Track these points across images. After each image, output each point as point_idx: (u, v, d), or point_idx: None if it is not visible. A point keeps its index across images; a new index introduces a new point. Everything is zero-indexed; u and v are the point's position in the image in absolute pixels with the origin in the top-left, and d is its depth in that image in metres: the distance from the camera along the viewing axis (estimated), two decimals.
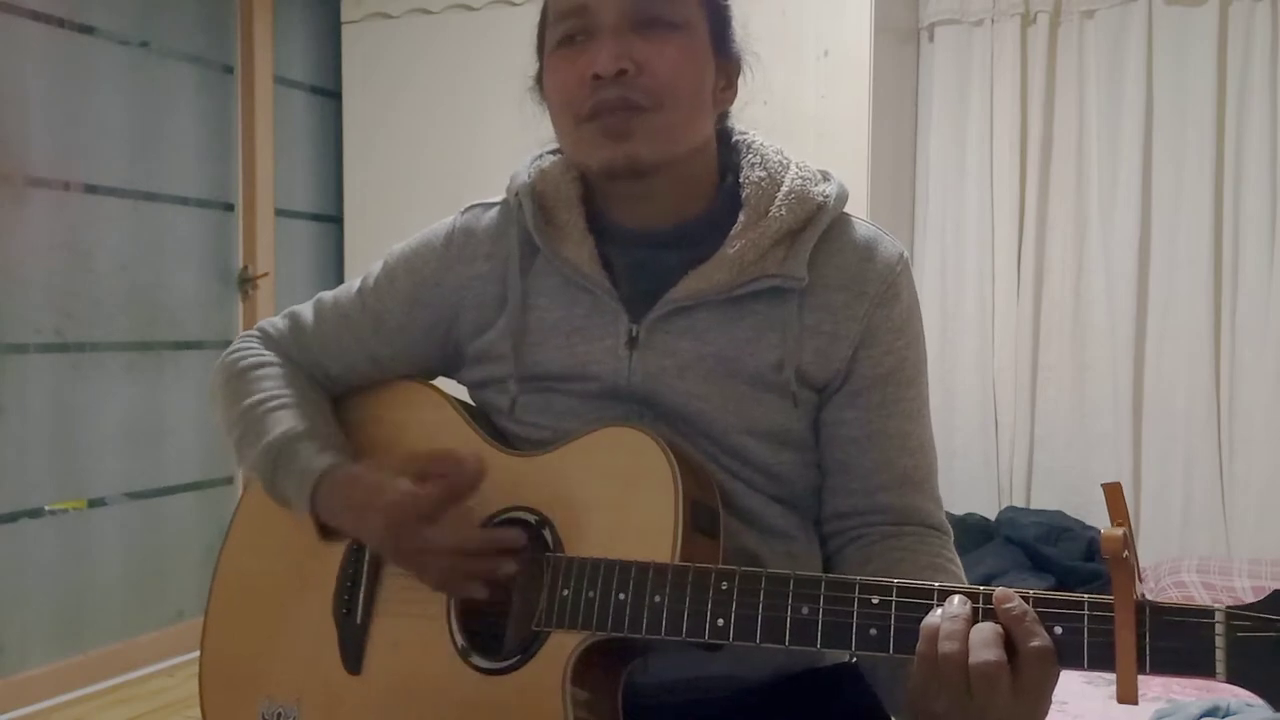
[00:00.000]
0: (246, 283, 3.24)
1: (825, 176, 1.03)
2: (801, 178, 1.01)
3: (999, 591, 0.75)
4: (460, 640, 0.95)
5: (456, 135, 3.24)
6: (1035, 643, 0.73)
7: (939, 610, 0.76)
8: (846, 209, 1.03)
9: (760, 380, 0.98)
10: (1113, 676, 0.71)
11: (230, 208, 3.23)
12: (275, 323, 1.16)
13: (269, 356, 1.12)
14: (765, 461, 0.99)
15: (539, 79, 1.06)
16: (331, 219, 3.53)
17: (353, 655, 1.01)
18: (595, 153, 0.97)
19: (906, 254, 1.04)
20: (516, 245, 1.04)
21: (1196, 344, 2.88)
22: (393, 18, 3.33)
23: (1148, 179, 2.94)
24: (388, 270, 1.11)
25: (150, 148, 2.98)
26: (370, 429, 1.11)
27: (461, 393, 1.11)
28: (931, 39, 3.20)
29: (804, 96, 2.79)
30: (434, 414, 1.07)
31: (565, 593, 0.89)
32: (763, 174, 1.01)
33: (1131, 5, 2.94)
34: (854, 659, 1.04)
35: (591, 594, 0.88)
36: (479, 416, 1.07)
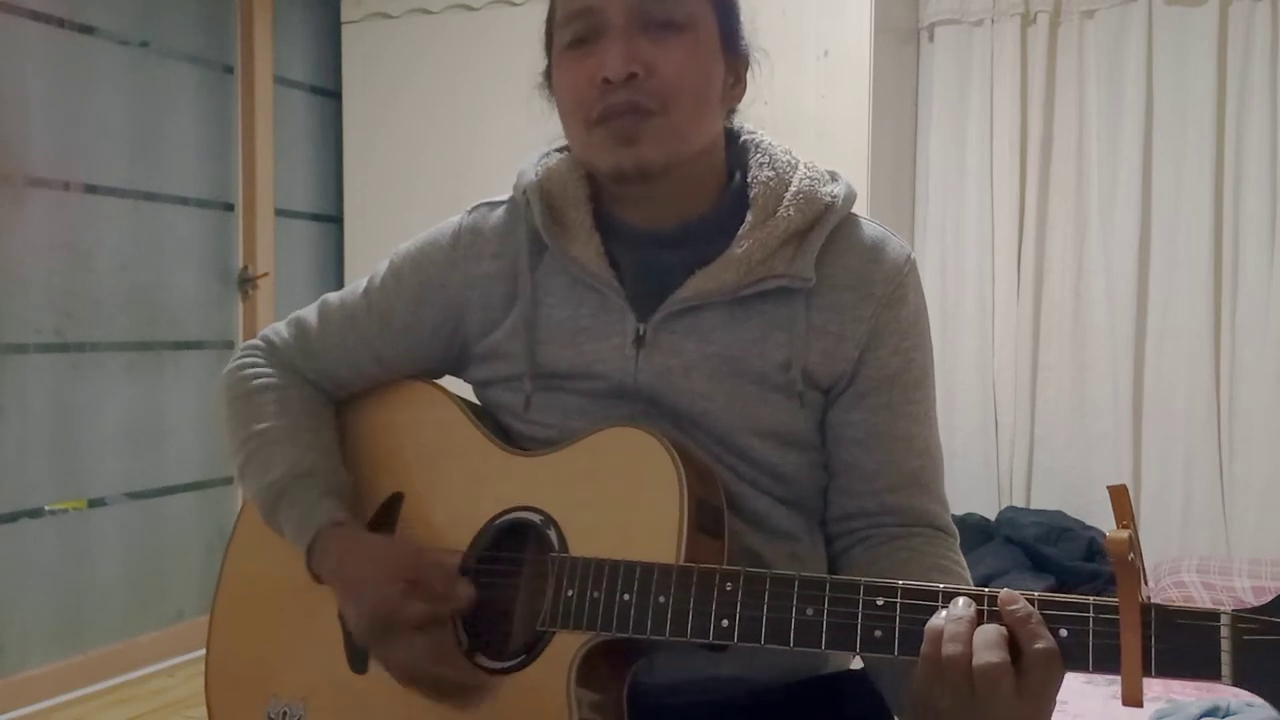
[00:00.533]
0: (246, 283, 3.24)
1: (833, 177, 1.03)
2: (810, 178, 1.01)
3: (1004, 593, 0.75)
4: (465, 640, 0.96)
5: (456, 135, 3.24)
6: (1040, 645, 0.72)
7: (943, 612, 0.76)
8: (854, 211, 1.03)
9: (767, 380, 0.98)
10: (1114, 676, 0.71)
11: (230, 208, 3.23)
12: (280, 331, 1.15)
13: (272, 378, 1.11)
14: (771, 462, 0.99)
15: (547, 76, 1.06)
16: (331, 219, 3.53)
17: (359, 655, 1.01)
18: (605, 157, 0.97)
19: (914, 255, 1.04)
20: (525, 243, 1.04)
21: (1196, 344, 2.88)
22: (393, 18, 3.33)
23: (1148, 179, 2.94)
24: (394, 270, 1.11)
25: (150, 148, 2.97)
26: (376, 430, 1.11)
27: (465, 390, 1.11)
28: (931, 39, 3.20)
29: (804, 96, 2.79)
30: (439, 413, 1.07)
31: (570, 593, 0.89)
32: (771, 174, 1.01)
33: (1131, 5, 2.94)
34: (858, 662, 1.04)
35: (596, 594, 0.88)
36: (484, 416, 1.07)
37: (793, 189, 1.00)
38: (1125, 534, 0.70)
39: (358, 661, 1.01)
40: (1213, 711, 1.92)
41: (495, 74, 3.14)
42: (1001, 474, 3.13)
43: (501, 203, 1.09)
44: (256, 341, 1.16)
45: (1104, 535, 2.64)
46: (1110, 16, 2.97)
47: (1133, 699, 0.70)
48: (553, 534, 0.94)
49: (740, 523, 0.96)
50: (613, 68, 0.94)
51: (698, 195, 1.02)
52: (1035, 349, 3.10)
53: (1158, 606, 0.71)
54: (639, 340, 0.99)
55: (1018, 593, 0.75)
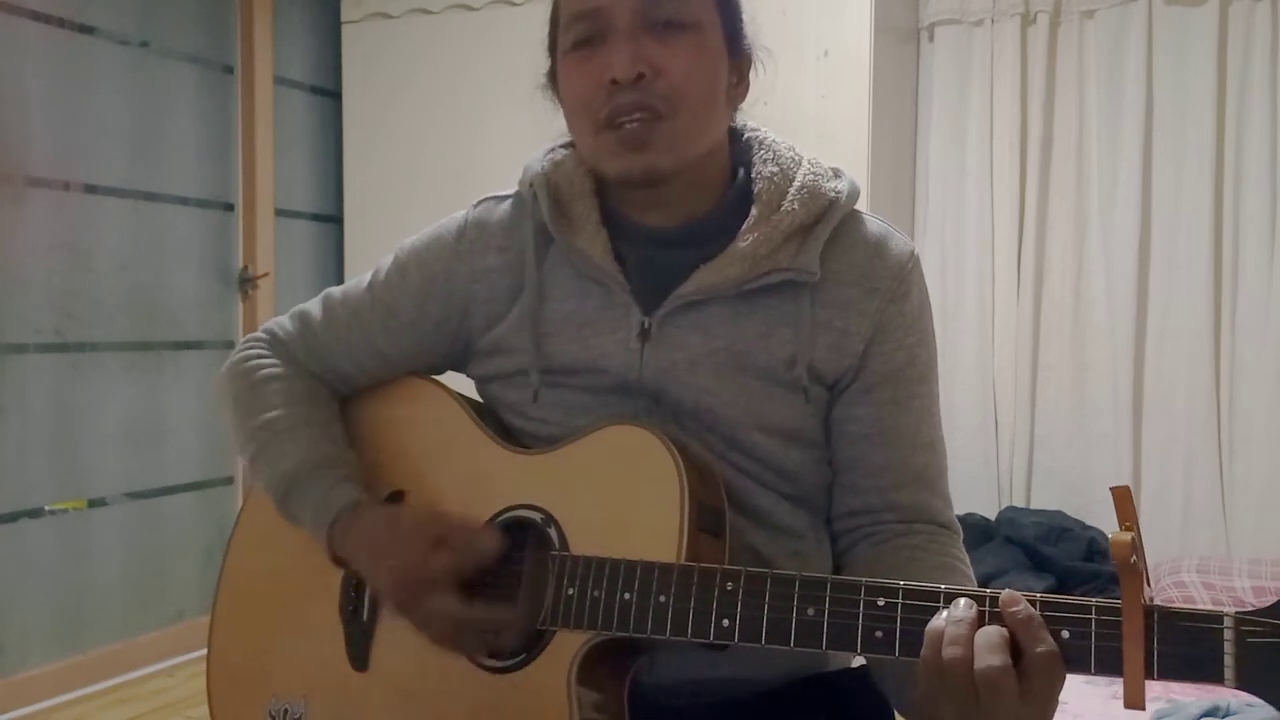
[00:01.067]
0: (246, 283, 3.24)
1: (837, 173, 1.03)
2: (813, 174, 1.01)
3: (1005, 595, 0.75)
4: None
5: (456, 135, 3.24)
6: (1041, 648, 0.72)
7: (944, 614, 0.76)
8: (858, 207, 1.04)
9: (772, 376, 0.98)
10: (1115, 677, 0.71)
11: (230, 208, 3.23)
12: (283, 324, 1.15)
13: (279, 368, 1.11)
14: (776, 458, 0.99)
15: (551, 77, 1.06)
16: (331, 219, 3.53)
17: (359, 653, 1.01)
18: (613, 162, 0.97)
19: (917, 251, 1.04)
20: (531, 236, 1.04)
21: (1196, 344, 2.88)
22: (393, 18, 3.33)
23: (1148, 179, 2.94)
24: (399, 264, 1.10)
25: (150, 148, 2.98)
26: (377, 427, 1.10)
27: (467, 386, 1.11)
28: (931, 39, 3.20)
29: (804, 96, 2.79)
30: (440, 411, 1.07)
31: (571, 592, 0.89)
32: (775, 169, 1.01)
33: (1131, 5, 2.94)
34: (859, 660, 1.04)
35: (597, 593, 0.88)
36: (485, 413, 1.06)
37: (796, 184, 1.00)
38: (1128, 536, 0.70)
39: (358, 659, 1.01)
40: (1213, 712, 1.92)
41: (495, 74, 3.14)
42: (1001, 474, 3.13)
43: (507, 197, 1.09)
44: (259, 334, 1.15)
45: (1104, 535, 2.64)
46: (1110, 16, 2.97)
47: (1135, 702, 0.70)
48: (553, 532, 0.93)
49: (743, 520, 0.96)
50: (620, 69, 0.93)
51: (703, 194, 1.02)
52: (1035, 349, 3.10)
53: (1160, 608, 0.71)
54: (644, 334, 0.99)
55: (1019, 594, 0.75)
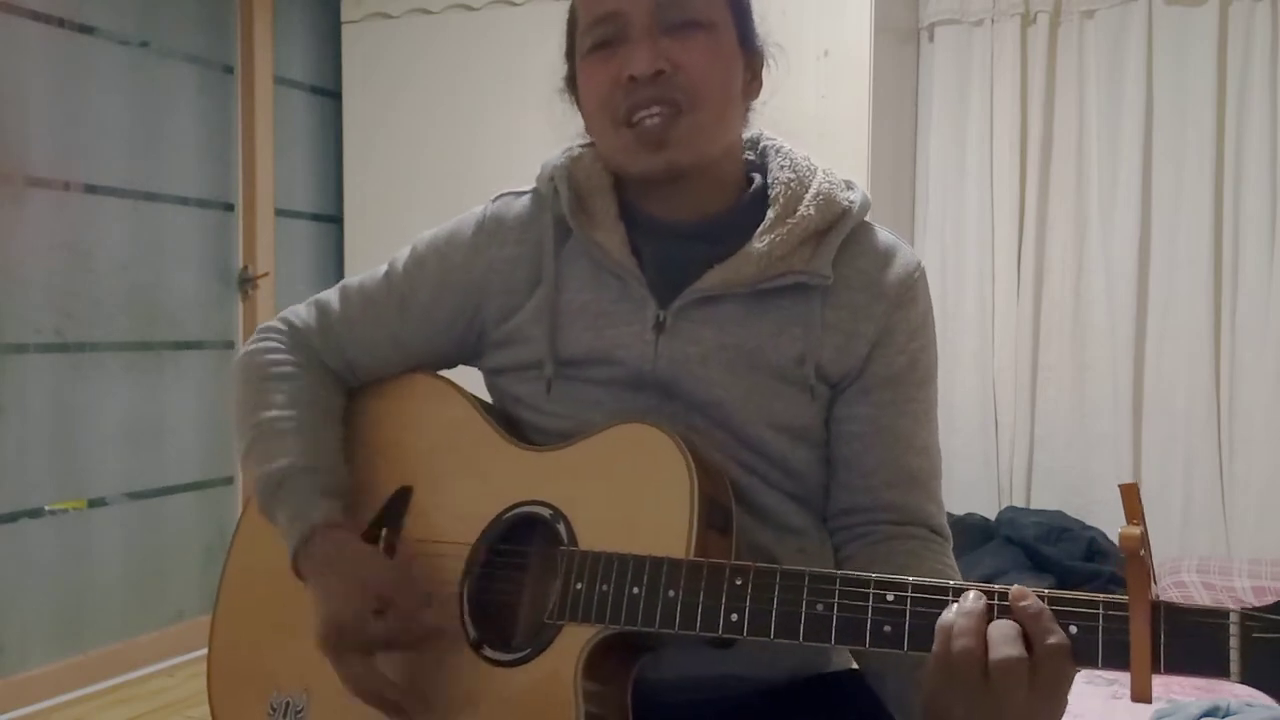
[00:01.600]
0: (246, 283, 3.24)
1: (850, 185, 1.06)
2: (829, 183, 1.04)
3: (1015, 589, 0.75)
4: (473, 632, 0.96)
5: (456, 135, 3.24)
6: (1052, 640, 0.73)
7: (954, 607, 0.76)
8: (869, 219, 1.06)
9: (781, 374, 0.99)
10: (1113, 675, 0.71)
11: (230, 208, 3.23)
12: (300, 313, 1.16)
13: (289, 365, 1.11)
14: (782, 455, 1.00)
15: (569, 82, 1.08)
16: (331, 219, 3.53)
17: None
18: (634, 159, 0.99)
19: (923, 264, 1.07)
20: (550, 229, 1.05)
21: (1196, 344, 2.88)
22: (393, 18, 3.33)
23: (1148, 179, 2.95)
24: (416, 256, 1.12)
25: (150, 148, 2.98)
26: (386, 422, 1.11)
27: (476, 379, 1.12)
28: (931, 39, 3.20)
29: (804, 96, 2.79)
30: (450, 408, 1.07)
31: (579, 586, 0.89)
32: (791, 175, 1.03)
33: (1131, 5, 2.94)
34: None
35: (605, 588, 0.88)
36: (494, 411, 1.07)
37: (812, 191, 1.02)
38: (1137, 530, 0.70)
39: None
40: (1213, 712, 1.92)
41: (495, 74, 3.14)
42: (1001, 474, 3.14)
43: (525, 192, 1.11)
44: (276, 323, 1.16)
45: (1104, 535, 2.64)
46: (1110, 16, 2.97)
47: (1142, 695, 0.70)
48: (562, 528, 0.94)
49: (748, 518, 0.97)
50: (639, 65, 0.96)
51: (719, 193, 1.04)
52: (1035, 349, 3.10)
53: (1167, 604, 0.71)
54: (659, 326, 1.00)
55: (1027, 589, 0.75)
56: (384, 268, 1.14)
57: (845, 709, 1.04)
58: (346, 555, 0.99)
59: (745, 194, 1.05)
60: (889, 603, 0.79)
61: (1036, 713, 0.73)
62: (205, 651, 1.13)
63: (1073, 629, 0.74)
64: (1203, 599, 2.59)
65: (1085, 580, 2.69)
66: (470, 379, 1.13)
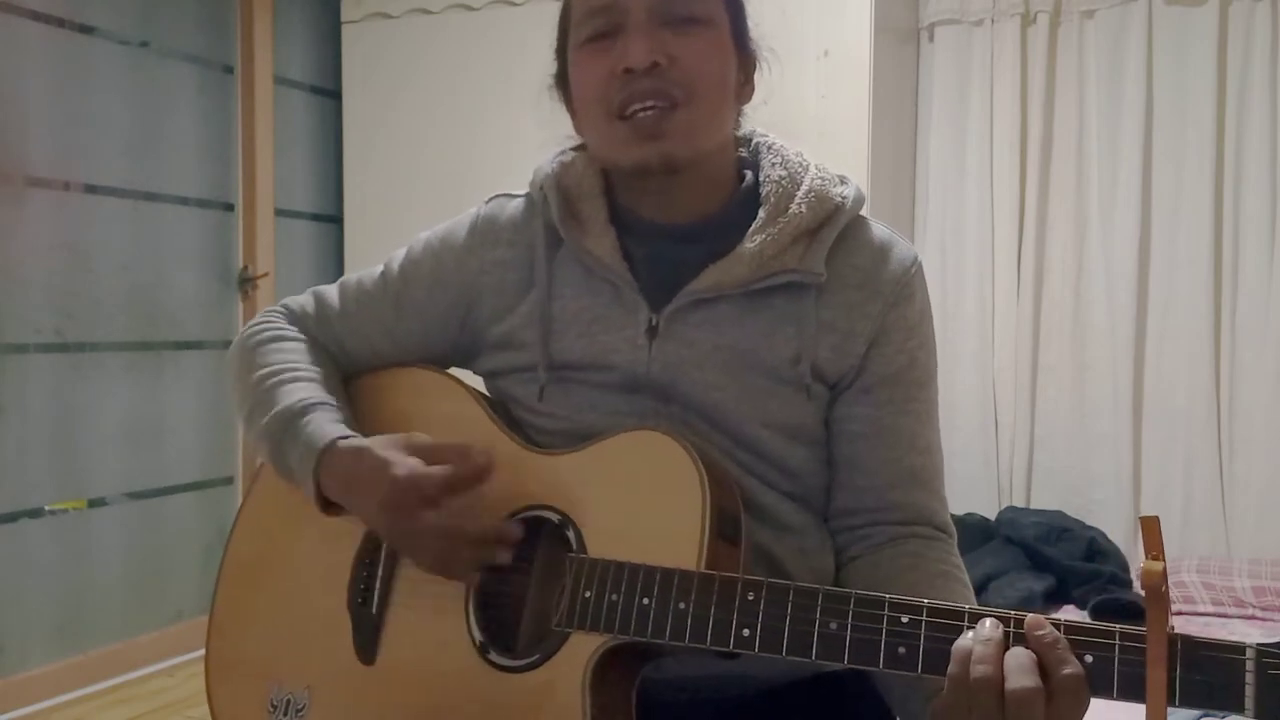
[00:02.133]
0: (246, 283, 3.24)
1: (843, 180, 1.05)
2: (821, 179, 1.03)
3: (1031, 618, 0.75)
4: (479, 636, 0.95)
5: (456, 135, 3.24)
6: (1068, 670, 0.73)
7: (969, 634, 0.76)
8: (864, 214, 1.05)
9: (776, 374, 0.99)
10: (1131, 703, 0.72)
11: (230, 208, 3.23)
12: (298, 299, 1.17)
13: (288, 330, 1.13)
14: (780, 455, 1.00)
15: (558, 79, 1.07)
16: (331, 219, 3.53)
17: (367, 646, 1.01)
18: (628, 151, 0.98)
19: (920, 258, 1.06)
20: (541, 235, 1.05)
21: (1196, 344, 2.88)
22: (393, 18, 3.33)
23: (1148, 179, 2.94)
24: (412, 255, 1.12)
25: (150, 148, 2.98)
26: (392, 419, 1.10)
27: (475, 383, 1.11)
28: (931, 39, 3.20)
29: (804, 96, 2.79)
30: (457, 407, 1.06)
31: (588, 594, 0.89)
32: (783, 173, 1.03)
33: (1131, 5, 2.94)
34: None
35: (615, 597, 0.87)
36: (498, 409, 1.06)
37: (804, 188, 1.01)
38: (1160, 566, 0.71)
39: (366, 652, 1.01)
40: (1212, 712, 1.91)
41: (495, 74, 3.14)
42: (1001, 474, 3.14)
43: (519, 196, 1.11)
44: (276, 307, 1.18)
45: (1104, 535, 2.63)
46: (1110, 16, 2.97)
47: None
48: (571, 534, 0.93)
49: (749, 519, 0.96)
50: (635, 57, 0.95)
51: (712, 192, 1.03)
52: (1035, 349, 3.10)
53: (1184, 638, 0.71)
54: (652, 330, 1.00)
55: (1044, 618, 0.75)
56: (381, 266, 1.14)
57: (845, 709, 1.04)
58: (368, 450, 0.96)
59: (737, 193, 1.04)
60: (903, 625, 0.79)
61: None
62: (206, 640, 1.12)
63: (1088, 659, 0.74)
64: (1202, 599, 2.59)
65: (1085, 580, 2.68)
66: (471, 379, 1.13)
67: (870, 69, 2.79)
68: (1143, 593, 0.72)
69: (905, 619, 0.79)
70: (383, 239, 3.21)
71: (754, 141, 1.08)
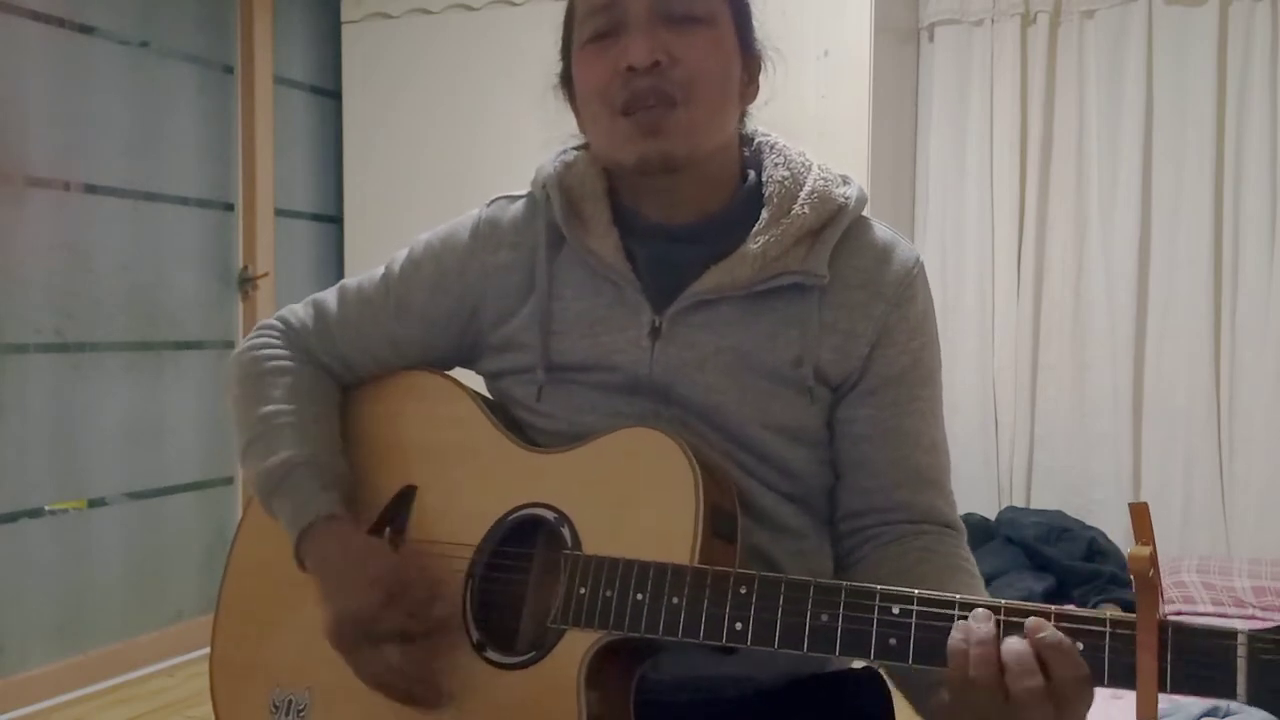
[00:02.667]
0: (246, 283, 3.24)
1: (845, 180, 1.05)
2: (824, 179, 1.03)
3: (1031, 621, 0.75)
4: (476, 634, 0.96)
5: (456, 135, 3.24)
6: (1071, 672, 0.73)
7: (958, 632, 0.76)
8: (865, 214, 1.05)
9: (778, 375, 0.99)
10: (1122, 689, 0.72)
11: (230, 208, 3.23)
12: (297, 311, 1.16)
13: (287, 360, 1.12)
14: (781, 457, 1.00)
15: (564, 78, 1.07)
16: (331, 219, 3.53)
17: None
18: (629, 148, 0.98)
19: (922, 259, 1.06)
20: (543, 235, 1.05)
21: (1196, 344, 2.89)
22: (393, 18, 3.33)
23: (1148, 179, 2.95)
24: (412, 258, 1.12)
25: (150, 148, 2.97)
26: (389, 421, 1.10)
27: (476, 383, 1.11)
28: (931, 39, 3.20)
29: (804, 96, 2.79)
30: (455, 408, 1.07)
31: (582, 591, 0.89)
32: (786, 173, 1.02)
33: (1131, 5, 2.94)
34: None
35: (609, 593, 0.88)
36: (498, 410, 1.07)
37: (807, 189, 1.01)
38: (1147, 550, 0.71)
39: None
40: (1213, 712, 1.92)
41: (495, 74, 3.14)
42: (1001, 474, 3.14)
43: (520, 197, 1.10)
44: (273, 321, 1.16)
45: (1104, 535, 2.63)
46: (1110, 16, 2.98)
47: (1148, 715, 0.71)
48: (566, 532, 0.94)
49: (747, 520, 0.97)
50: (637, 55, 0.95)
51: (714, 192, 1.03)
52: (1035, 349, 3.10)
53: (1175, 624, 0.71)
54: (655, 332, 1.00)
55: (1043, 619, 0.74)
56: (381, 269, 1.14)
57: (843, 708, 1.04)
58: (351, 548, 0.99)
59: (740, 193, 1.04)
60: (894, 615, 0.79)
61: None
62: (206, 651, 1.13)
63: (1079, 646, 0.74)
64: (1202, 599, 2.59)
65: (1085, 580, 2.69)
66: (472, 379, 1.12)
67: (870, 69, 2.79)
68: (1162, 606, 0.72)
69: (896, 609, 0.79)
70: (383, 239, 3.21)
71: (756, 141, 1.08)
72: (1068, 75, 3.04)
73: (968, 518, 2.96)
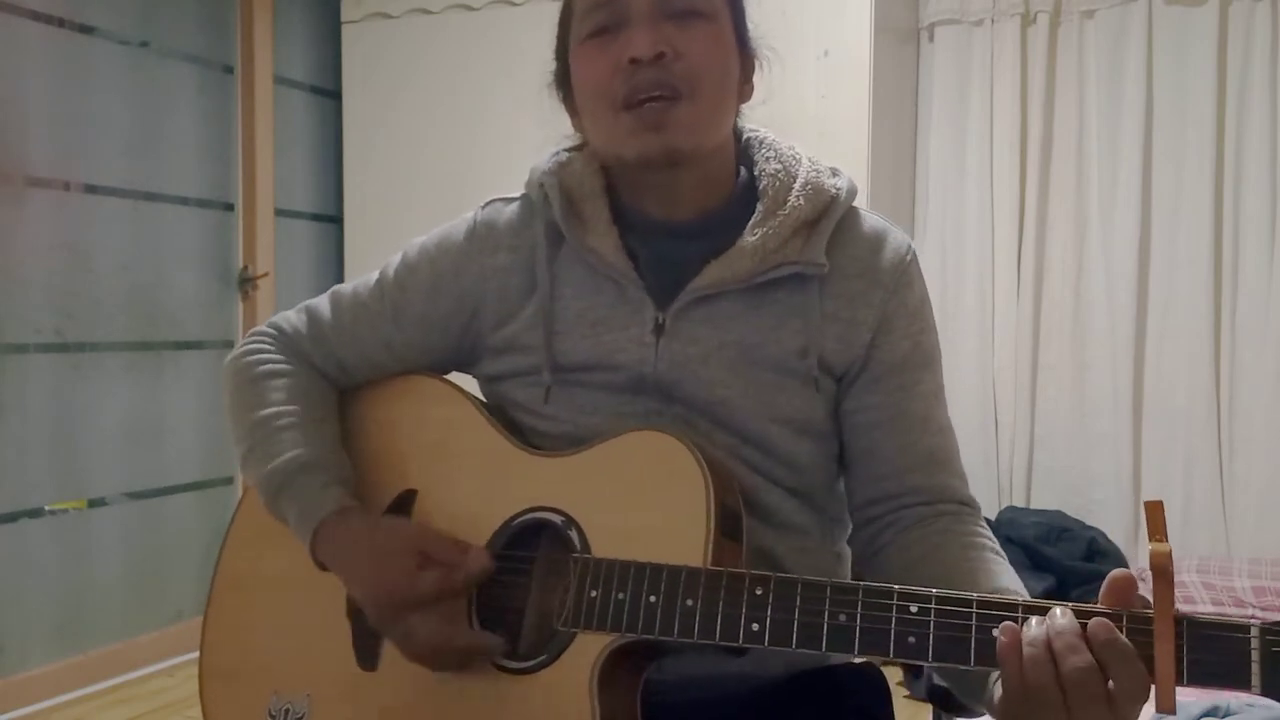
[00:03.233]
0: (246, 283, 3.24)
1: (835, 172, 1.05)
2: (815, 171, 1.03)
3: (1094, 623, 0.74)
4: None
5: (456, 135, 3.24)
6: (1131, 677, 0.73)
7: (1001, 634, 0.75)
8: (855, 204, 1.05)
9: (783, 367, 0.99)
10: None
11: (230, 208, 3.23)
12: (290, 318, 1.15)
13: (282, 364, 1.11)
14: (787, 450, 1.00)
15: (558, 77, 1.06)
16: (331, 219, 3.53)
17: (368, 652, 1.00)
18: (632, 143, 0.97)
19: (913, 244, 1.06)
20: (542, 236, 1.04)
21: (1196, 344, 2.88)
22: (393, 18, 3.33)
23: (1148, 179, 2.94)
24: (408, 262, 1.11)
25: (150, 148, 2.98)
26: (388, 425, 1.10)
27: (473, 386, 1.11)
28: (931, 39, 3.20)
29: (804, 96, 2.79)
30: (454, 411, 1.06)
31: (594, 594, 0.89)
32: (778, 167, 1.03)
33: (1131, 5, 2.94)
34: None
35: (621, 596, 0.87)
36: (498, 414, 1.06)
37: (800, 181, 1.02)
38: (1168, 547, 0.71)
39: (367, 658, 1.00)
40: (1213, 712, 1.92)
41: (495, 74, 3.14)
42: (1001, 474, 3.14)
43: (515, 199, 1.10)
44: (265, 328, 1.15)
45: (1104, 535, 2.63)
46: (1110, 16, 2.97)
47: (1167, 706, 0.72)
48: (574, 535, 0.93)
49: (752, 518, 0.97)
50: (640, 48, 0.95)
51: (713, 188, 1.03)
52: (1035, 349, 3.10)
53: (1190, 618, 0.72)
54: (659, 329, 1.00)
55: (1108, 622, 0.73)
56: (376, 274, 1.13)
57: (845, 702, 1.04)
58: (366, 531, 0.99)
59: (735, 188, 1.04)
60: (912, 614, 0.79)
61: None
62: (199, 647, 1.11)
63: None
64: (1202, 599, 2.59)
65: (1085, 580, 2.69)
66: (467, 381, 1.12)
67: (870, 69, 2.79)
68: (1145, 581, 0.73)
69: (914, 608, 0.79)
70: (383, 239, 3.21)
71: (745, 137, 1.08)
72: (1068, 75, 3.04)
73: None
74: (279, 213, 3.33)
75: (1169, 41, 2.91)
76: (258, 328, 1.16)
